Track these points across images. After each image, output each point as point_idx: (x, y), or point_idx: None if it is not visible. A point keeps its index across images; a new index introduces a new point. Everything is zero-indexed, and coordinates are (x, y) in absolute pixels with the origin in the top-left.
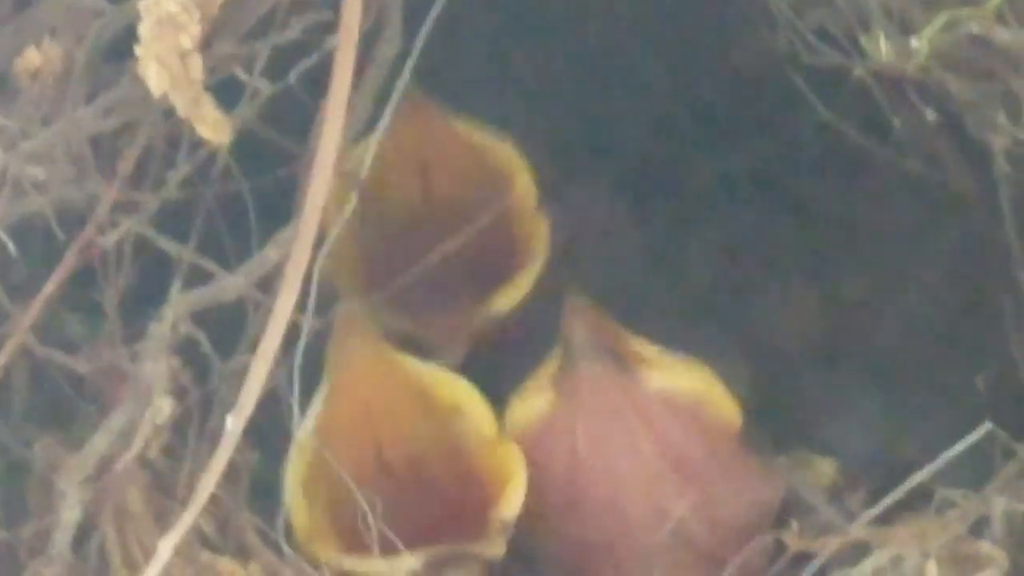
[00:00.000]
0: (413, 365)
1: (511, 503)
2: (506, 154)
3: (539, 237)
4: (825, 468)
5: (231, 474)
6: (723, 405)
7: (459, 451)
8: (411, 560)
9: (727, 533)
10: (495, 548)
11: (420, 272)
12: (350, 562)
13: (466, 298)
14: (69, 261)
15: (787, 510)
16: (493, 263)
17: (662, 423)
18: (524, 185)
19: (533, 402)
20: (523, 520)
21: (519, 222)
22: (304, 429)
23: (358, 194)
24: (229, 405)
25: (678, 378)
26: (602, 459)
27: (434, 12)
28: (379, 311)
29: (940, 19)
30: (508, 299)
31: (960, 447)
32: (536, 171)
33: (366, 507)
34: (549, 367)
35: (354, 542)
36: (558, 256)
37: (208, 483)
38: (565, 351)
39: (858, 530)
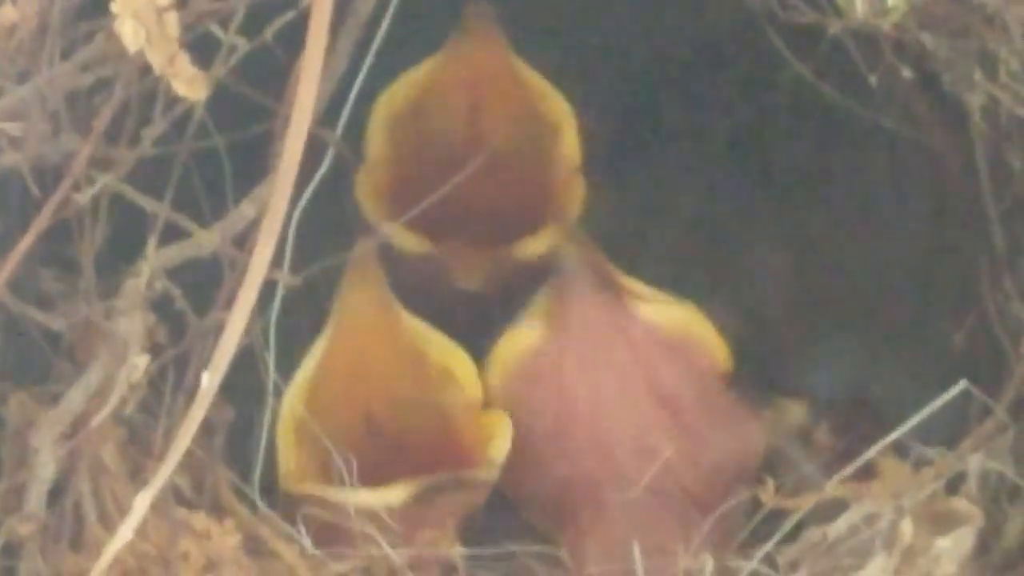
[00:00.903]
0: (412, 324)
1: (498, 448)
2: (559, 106)
3: (574, 197)
4: (795, 411)
5: (206, 430)
6: (713, 347)
7: (445, 417)
8: (401, 490)
9: (710, 477)
10: (487, 474)
11: (446, 196)
12: (337, 494)
13: (491, 238)
14: (45, 217)
15: (765, 462)
16: (525, 211)
17: (651, 357)
18: (570, 142)
19: (523, 334)
20: (507, 459)
21: (558, 178)
22: (304, 370)
23: (402, 121)
24: (205, 361)
25: (670, 315)
26: (589, 393)
27: None
28: (402, 232)
29: None
30: (528, 249)
31: (936, 404)
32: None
33: (342, 466)
34: (541, 300)
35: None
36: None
37: (183, 439)
38: (559, 278)
39: (833, 487)
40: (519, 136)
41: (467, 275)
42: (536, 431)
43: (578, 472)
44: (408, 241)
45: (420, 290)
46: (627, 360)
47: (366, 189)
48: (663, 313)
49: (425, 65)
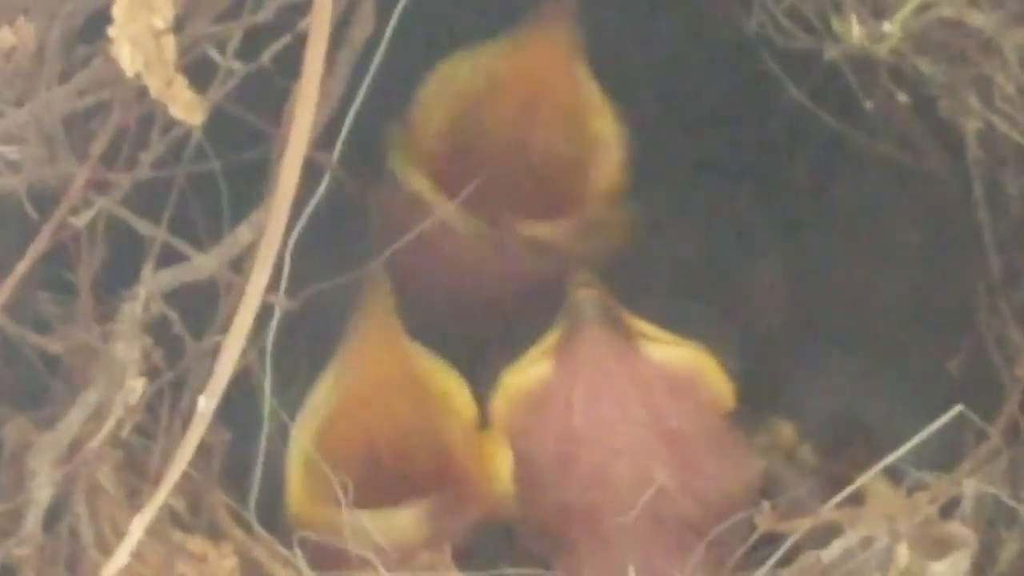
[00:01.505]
0: (415, 351)
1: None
2: (609, 123)
3: (611, 222)
4: (788, 433)
5: (203, 454)
6: (718, 385)
7: (444, 442)
8: (410, 513)
9: (708, 509)
10: (492, 488)
11: (487, 187)
12: (348, 516)
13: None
14: (42, 240)
15: (761, 488)
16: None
17: (658, 396)
18: (611, 162)
19: (532, 367)
20: (509, 484)
21: (595, 195)
22: (315, 398)
23: (455, 99)
24: (201, 385)
25: (677, 355)
26: (595, 427)
27: None
28: (433, 198)
29: (913, 2)
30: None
31: (932, 429)
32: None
33: (339, 492)
34: (552, 336)
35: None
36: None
37: (180, 463)
38: (570, 316)
39: (829, 511)
40: (565, 144)
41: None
42: (538, 460)
43: (578, 501)
44: (471, 223)
45: (470, 273)
46: (632, 397)
47: (407, 155)
48: (670, 353)
49: (491, 48)
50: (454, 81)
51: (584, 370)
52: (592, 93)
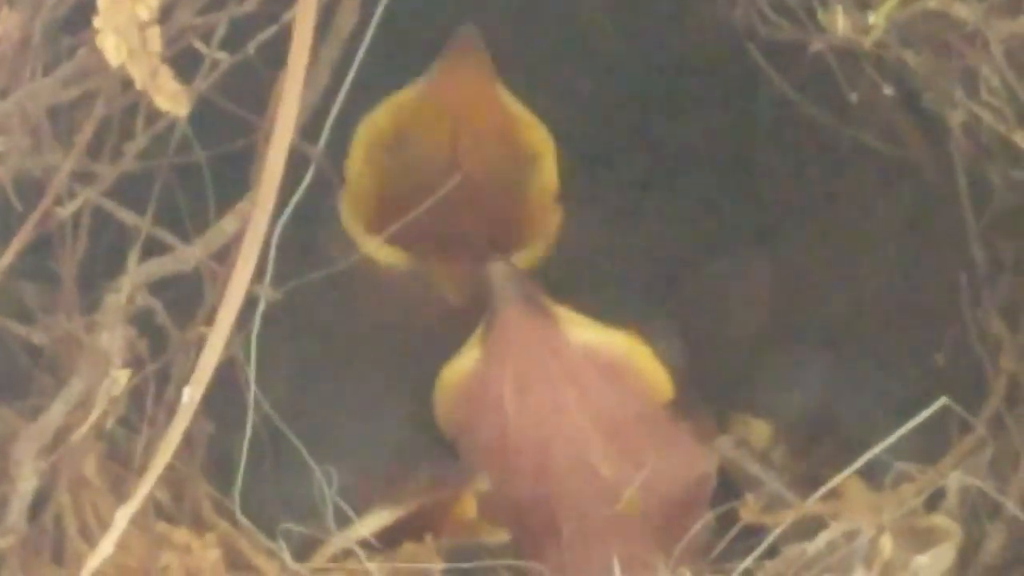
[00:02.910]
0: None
1: None
2: (540, 136)
3: (550, 223)
4: (761, 431)
5: (187, 445)
6: (653, 375)
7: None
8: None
9: (663, 501)
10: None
11: (428, 217)
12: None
13: (472, 256)
14: (26, 231)
15: (734, 485)
16: (504, 234)
17: (585, 379)
18: (548, 171)
19: (463, 361)
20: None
21: (535, 205)
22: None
23: (384, 143)
24: (186, 376)
25: (607, 341)
26: (529, 417)
27: None
28: (387, 248)
29: None
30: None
31: (916, 421)
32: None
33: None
34: (476, 335)
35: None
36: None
37: (164, 454)
38: (490, 304)
39: (812, 504)
40: (498, 163)
41: (451, 289)
42: (482, 454)
43: (525, 494)
44: (393, 256)
45: (405, 308)
46: (561, 380)
47: (349, 209)
48: (599, 339)
49: (409, 89)
50: (380, 127)
51: (510, 353)
52: (517, 109)
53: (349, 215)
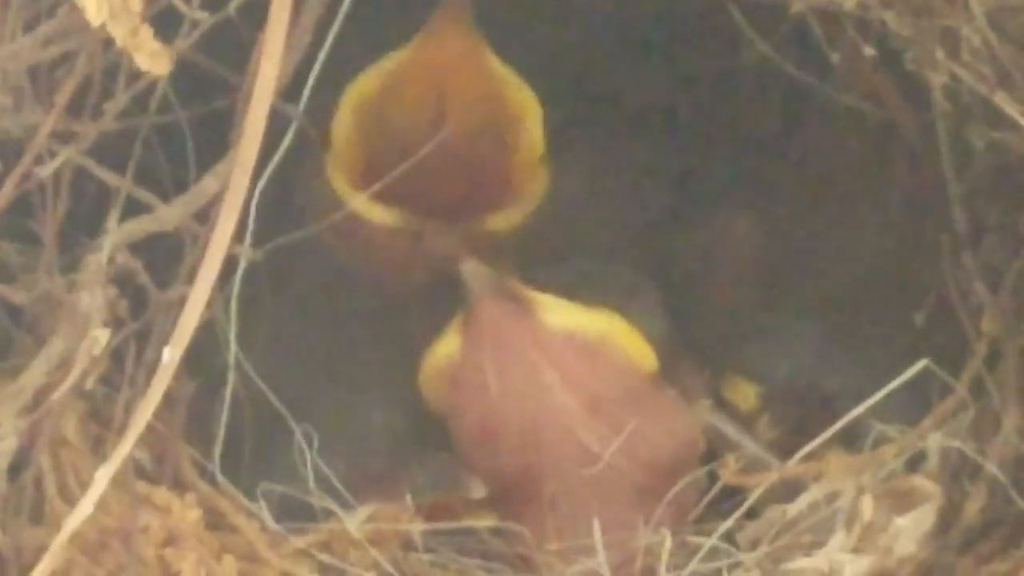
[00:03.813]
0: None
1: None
2: (523, 97)
3: (536, 185)
4: (748, 392)
5: (167, 405)
6: (635, 349)
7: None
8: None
9: (652, 469)
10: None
11: (415, 179)
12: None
13: (459, 214)
14: (7, 191)
15: (716, 448)
16: (490, 194)
17: (566, 361)
18: (533, 132)
19: (444, 347)
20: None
21: (520, 165)
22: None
23: (370, 109)
24: (166, 336)
25: (583, 321)
26: (513, 398)
27: None
28: (376, 205)
29: None
30: (496, 224)
31: (896, 383)
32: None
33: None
34: (455, 323)
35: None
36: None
37: (144, 414)
38: (465, 299)
39: (793, 466)
40: (484, 125)
41: (441, 244)
42: (468, 433)
43: (511, 467)
44: (382, 214)
45: (392, 266)
46: (542, 363)
47: (336, 173)
48: (575, 320)
49: (395, 54)
50: (365, 94)
51: (489, 345)
52: (502, 72)
53: (336, 175)
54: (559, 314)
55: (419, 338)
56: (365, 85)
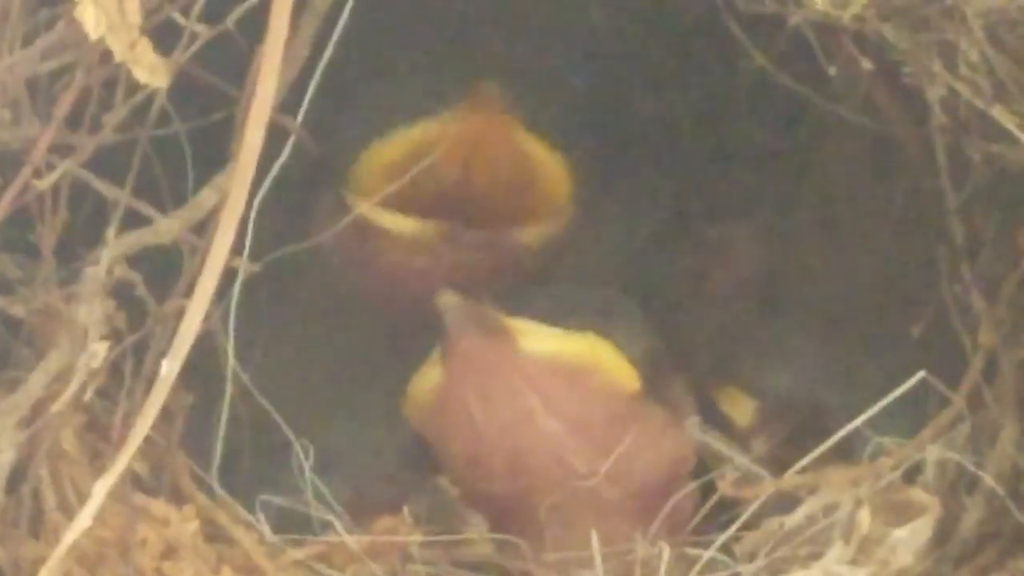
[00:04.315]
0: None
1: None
2: (556, 176)
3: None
4: (746, 408)
5: (166, 417)
6: (614, 368)
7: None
8: None
9: (643, 487)
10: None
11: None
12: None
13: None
14: (5, 203)
15: (710, 461)
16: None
17: (549, 386)
18: (561, 208)
19: (428, 374)
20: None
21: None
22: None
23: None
24: (164, 348)
25: (560, 345)
26: (498, 426)
27: None
28: (392, 215)
29: None
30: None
31: (894, 395)
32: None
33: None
34: (437, 353)
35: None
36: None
37: (143, 426)
38: (444, 334)
39: (790, 477)
40: (508, 197)
41: (462, 251)
42: (454, 456)
43: (499, 490)
44: (400, 223)
45: (399, 278)
46: (526, 391)
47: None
48: (555, 345)
49: (421, 125)
50: (389, 153)
51: (471, 375)
52: (535, 145)
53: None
54: (539, 340)
55: (419, 353)
56: (389, 149)
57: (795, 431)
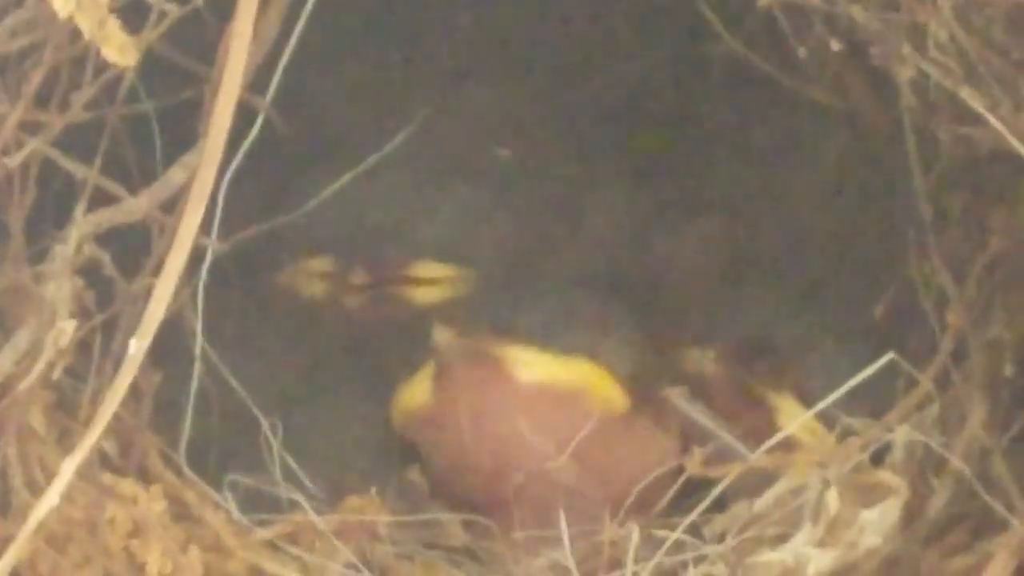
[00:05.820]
0: None
1: None
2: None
3: None
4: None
5: (134, 396)
6: (607, 392)
7: None
8: None
9: (629, 492)
10: None
11: None
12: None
13: None
14: None
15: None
16: None
17: (538, 411)
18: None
19: (417, 389)
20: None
21: None
22: None
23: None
24: (133, 327)
25: (552, 371)
26: (487, 444)
27: None
28: None
29: None
30: None
31: (863, 376)
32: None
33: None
34: (428, 369)
35: None
36: None
37: (111, 404)
38: (437, 359)
39: (759, 457)
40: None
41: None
42: (440, 465)
43: (483, 497)
44: None
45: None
46: (517, 415)
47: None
48: (547, 372)
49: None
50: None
51: (461, 401)
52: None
53: None
54: (531, 368)
55: (393, 330)
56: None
57: (751, 362)
